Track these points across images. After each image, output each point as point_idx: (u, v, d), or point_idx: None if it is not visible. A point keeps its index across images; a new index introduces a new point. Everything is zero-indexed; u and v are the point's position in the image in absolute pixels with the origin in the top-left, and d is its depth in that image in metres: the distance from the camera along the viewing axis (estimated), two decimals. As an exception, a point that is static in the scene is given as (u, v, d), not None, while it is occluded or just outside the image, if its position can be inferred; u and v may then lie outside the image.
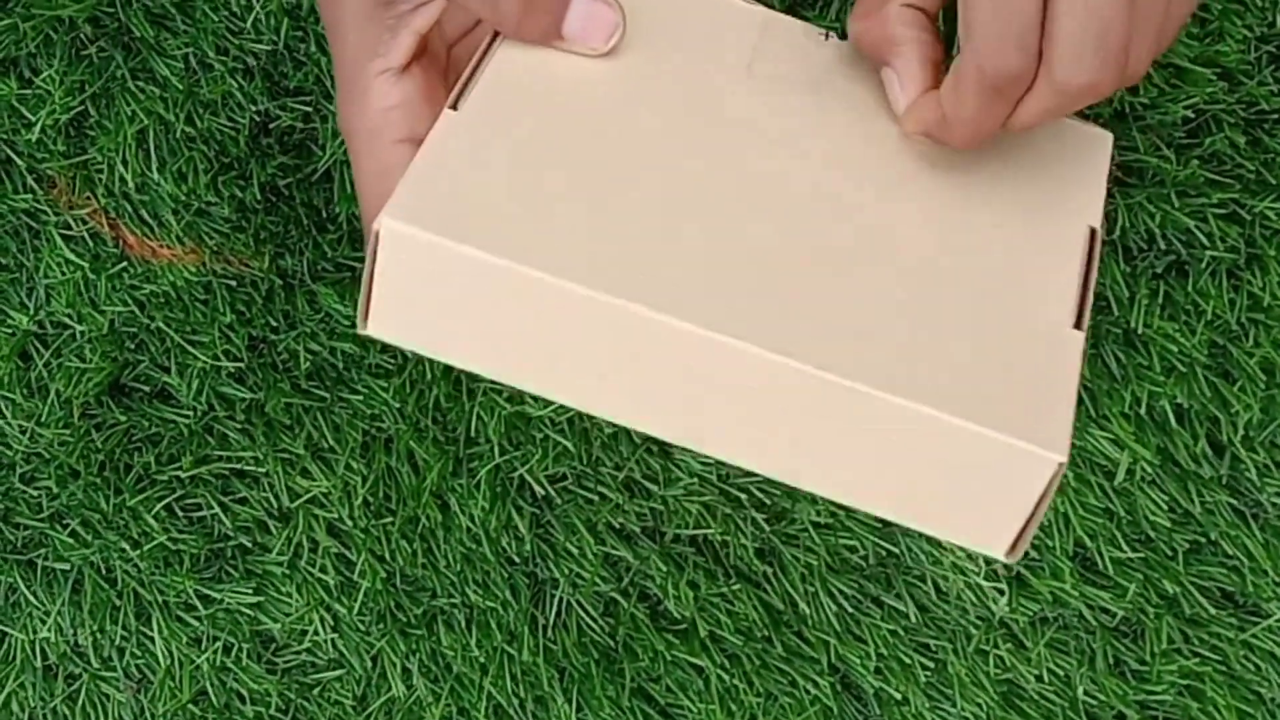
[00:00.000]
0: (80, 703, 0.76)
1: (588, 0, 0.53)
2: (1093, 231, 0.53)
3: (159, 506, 0.75)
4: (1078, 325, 0.51)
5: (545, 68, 0.53)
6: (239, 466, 0.75)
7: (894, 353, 0.48)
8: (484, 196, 0.48)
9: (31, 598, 0.76)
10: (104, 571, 0.76)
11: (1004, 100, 0.50)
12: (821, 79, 0.56)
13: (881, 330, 0.48)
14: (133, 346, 0.76)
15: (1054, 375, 0.49)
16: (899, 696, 0.70)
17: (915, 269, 0.51)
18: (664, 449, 0.73)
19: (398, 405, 0.74)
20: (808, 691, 0.71)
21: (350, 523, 0.75)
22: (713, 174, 0.51)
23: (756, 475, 0.71)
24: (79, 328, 0.76)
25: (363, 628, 0.74)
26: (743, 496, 0.72)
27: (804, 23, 0.57)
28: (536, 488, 0.73)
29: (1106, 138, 0.57)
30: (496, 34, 0.53)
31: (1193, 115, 0.69)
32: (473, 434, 0.74)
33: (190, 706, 0.75)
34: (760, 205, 0.51)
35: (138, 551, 0.75)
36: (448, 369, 0.74)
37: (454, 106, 0.51)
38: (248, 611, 0.75)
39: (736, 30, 0.56)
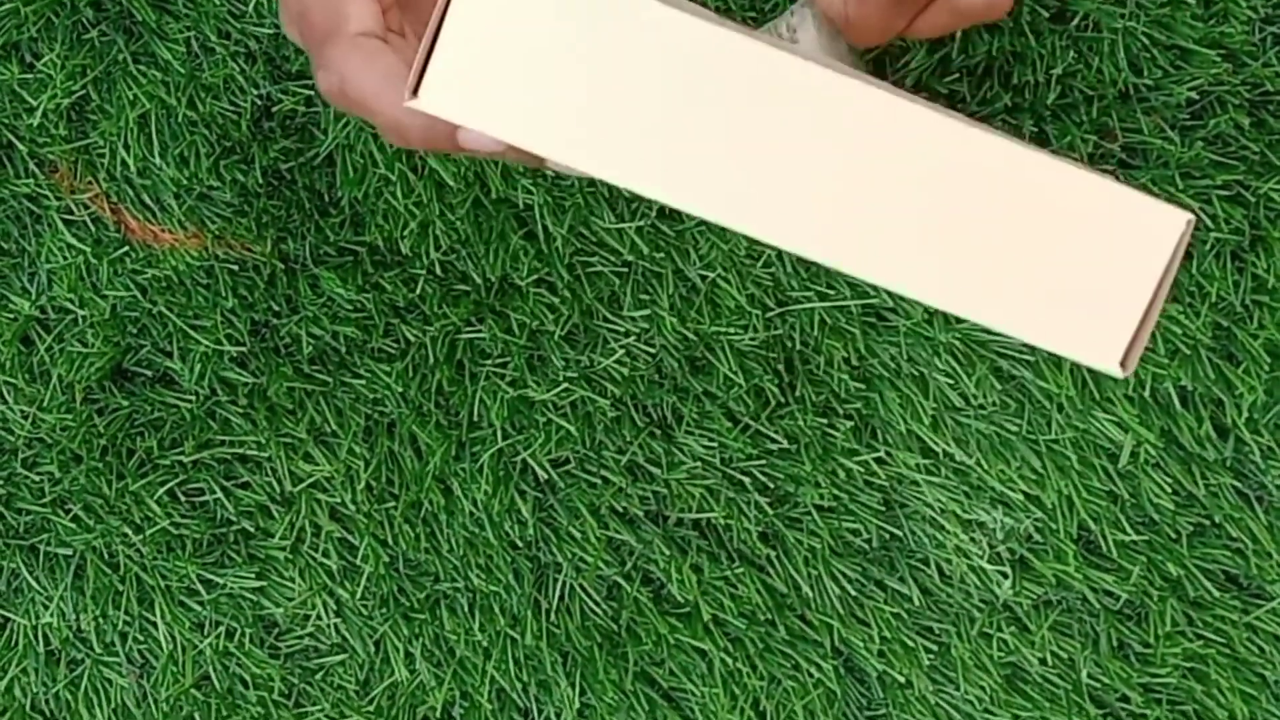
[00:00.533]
0: (83, 688, 0.76)
1: None
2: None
3: (161, 491, 0.75)
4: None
5: None
6: (241, 451, 0.75)
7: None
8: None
9: (34, 583, 0.76)
10: (106, 556, 0.76)
11: (903, 13, 0.52)
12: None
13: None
14: (135, 331, 0.76)
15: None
16: (902, 680, 0.70)
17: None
18: (667, 432, 0.72)
19: (400, 389, 0.74)
20: (811, 675, 0.71)
21: (353, 507, 0.74)
22: None
23: (760, 458, 0.71)
24: (81, 312, 0.76)
25: (365, 612, 0.74)
26: (746, 480, 0.71)
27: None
28: (539, 471, 0.73)
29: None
30: None
31: (1197, 97, 0.68)
32: (475, 418, 0.74)
33: (193, 691, 0.75)
34: None
35: (140, 536, 0.75)
36: (450, 352, 0.74)
37: None
38: (250, 596, 0.75)
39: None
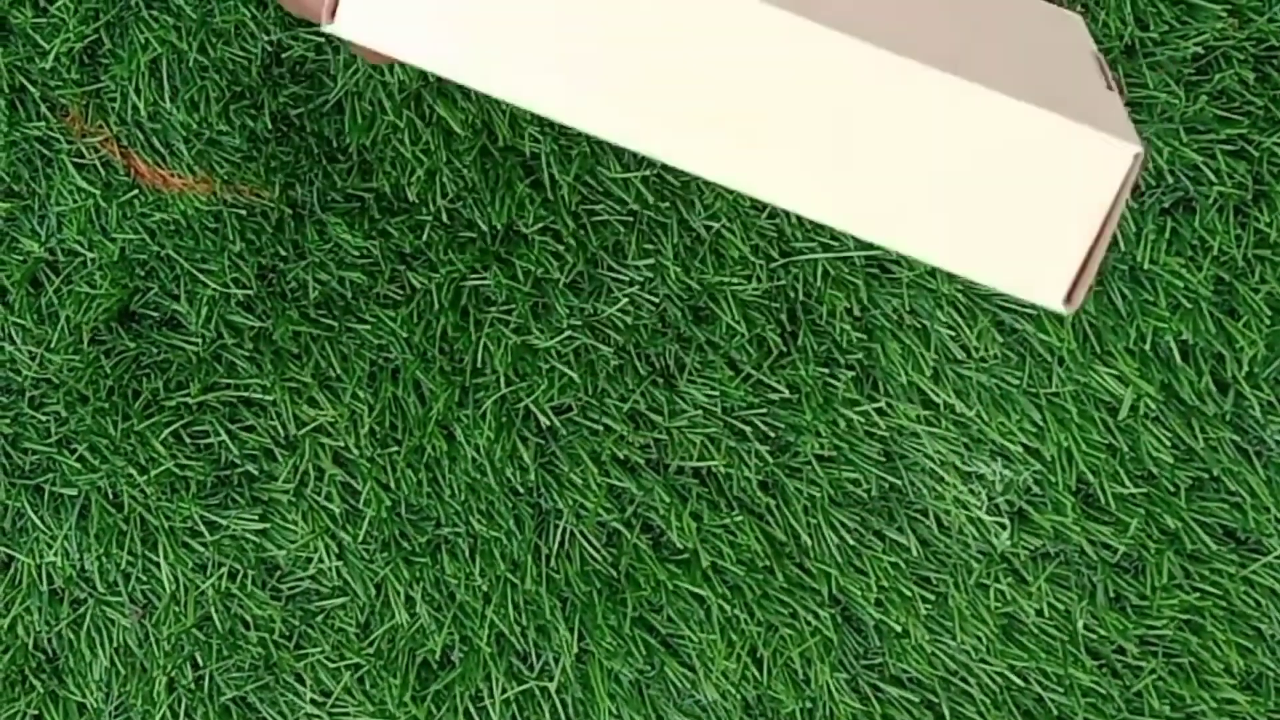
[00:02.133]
0: (85, 627, 0.77)
1: None
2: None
3: (166, 433, 0.76)
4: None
5: None
6: (246, 394, 0.76)
7: (957, 47, 0.44)
8: None
9: (39, 522, 0.77)
10: (111, 497, 0.77)
11: None
12: None
13: (940, 31, 0.44)
14: (143, 274, 0.77)
15: (1097, 88, 0.45)
16: (899, 629, 0.70)
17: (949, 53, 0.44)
18: (669, 380, 0.73)
19: (405, 335, 0.75)
20: (808, 623, 0.71)
21: (356, 451, 0.75)
22: None
23: (761, 407, 0.72)
24: (89, 255, 0.77)
25: (367, 556, 0.75)
26: (747, 429, 0.72)
27: None
28: (541, 418, 0.74)
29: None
30: None
31: (1202, 51, 0.69)
32: (479, 365, 0.74)
33: (195, 631, 0.76)
34: None
35: (145, 477, 0.76)
36: (455, 299, 0.74)
37: None
38: (253, 538, 0.76)
39: None
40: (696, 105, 0.43)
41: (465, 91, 0.74)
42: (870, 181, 0.44)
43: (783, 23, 0.42)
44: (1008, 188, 0.44)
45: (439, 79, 0.74)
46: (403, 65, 0.75)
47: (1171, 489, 0.69)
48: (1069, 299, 0.44)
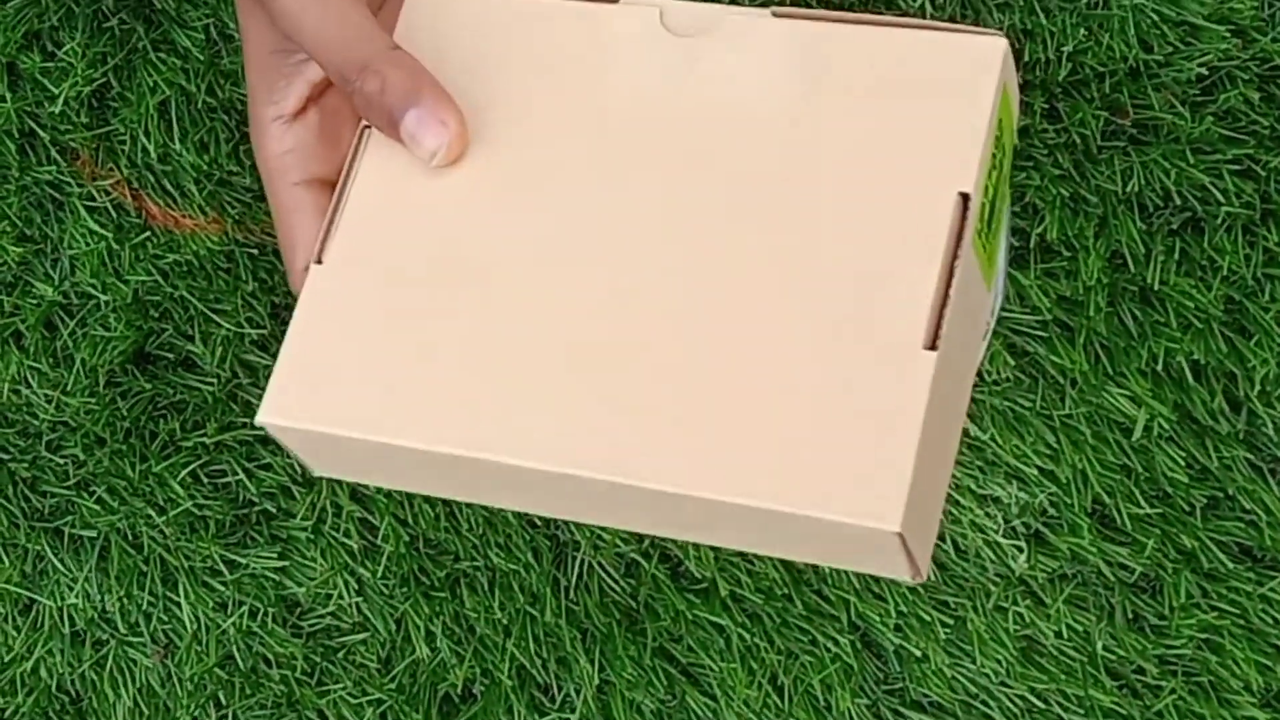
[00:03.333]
0: (108, 668, 0.77)
1: (428, 110, 0.55)
2: (963, 199, 0.52)
3: (184, 473, 0.76)
4: (932, 344, 0.50)
5: (401, 196, 0.56)
6: (263, 433, 0.76)
7: (725, 438, 0.50)
8: (350, 371, 0.54)
9: (59, 565, 0.77)
10: (130, 538, 0.77)
11: None
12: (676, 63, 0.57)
13: (715, 413, 0.51)
14: (157, 315, 0.77)
15: (897, 415, 0.49)
16: (919, 653, 0.71)
17: (756, 315, 0.52)
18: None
19: (419, 371, 0.75)
20: (828, 649, 0.71)
21: (372, 487, 0.75)
22: (552, 266, 0.54)
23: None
24: (103, 297, 0.77)
25: (386, 591, 0.75)
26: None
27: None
28: (557, 451, 0.74)
29: (997, 47, 0.54)
30: (345, 177, 0.57)
31: (1206, 72, 0.69)
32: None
33: (217, 670, 0.76)
34: (600, 288, 0.54)
35: (164, 518, 0.76)
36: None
37: (319, 260, 0.56)
38: (273, 576, 0.76)
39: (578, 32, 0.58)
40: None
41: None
42: (729, 533, 0.52)
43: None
44: (825, 543, 0.50)
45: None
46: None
47: (1187, 508, 0.69)
48: (916, 573, 0.51)
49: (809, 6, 0.67)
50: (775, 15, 0.56)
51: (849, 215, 0.53)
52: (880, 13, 0.64)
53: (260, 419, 0.54)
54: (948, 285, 0.51)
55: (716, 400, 0.51)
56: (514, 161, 0.56)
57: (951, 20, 0.66)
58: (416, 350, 0.54)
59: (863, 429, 0.49)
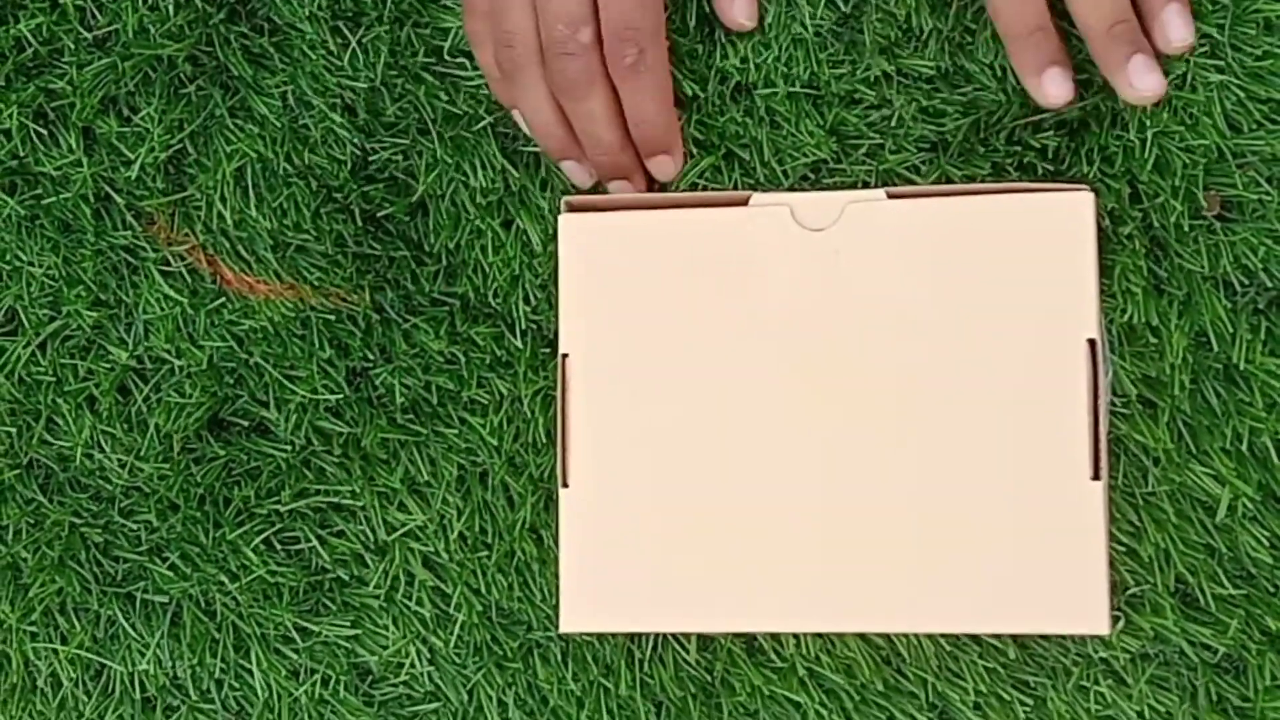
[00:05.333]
0: (178, 734, 0.77)
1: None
2: (1091, 344, 0.65)
3: (258, 540, 0.76)
4: (1095, 474, 0.64)
5: (615, 414, 0.69)
6: (336, 500, 0.76)
7: (949, 576, 0.65)
8: (626, 576, 0.68)
9: (130, 630, 0.77)
10: (203, 604, 0.77)
11: None
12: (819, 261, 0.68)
13: (934, 557, 0.65)
14: (231, 381, 0.77)
15: (1084, 537, 0.64)
16: (998, 733, 0.70)
17: (940, 474, 0.65)
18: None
19: (494, 441, 0.75)
20: (906, 727, 0.71)
21: (446, 556, 0.75)
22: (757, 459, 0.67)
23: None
24: (178, 363, 0.77)
25: (459, 660, 0.75)
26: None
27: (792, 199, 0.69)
28: (632, 522, 0.74)
29: (1086, 201, 0.65)
30: (562, 403, 0.70)
31: (1294, 151, 0.69)
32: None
33: (288, 739, 0.76)
34: (798, 473, 0.67)
35: (236, 584, 0.76)
36: (545, 406, 0.75)
37: (565, 484, 0.69)
38: (345, 644, 0.76)
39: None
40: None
41: (547, 206, 0.74)
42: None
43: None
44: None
45: (519, 187, 0.75)
46: (483, 167, 0.75)
47: (1271, 589, 0.69)
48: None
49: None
50: (890, 197, 0.67)
51: (997, 373, 0.65)
52: (978, 179, 0.70)
53: (563, 629, 0.68)
54: (1095, 421, 0.64)
55: (931, 551, 0.65)
56: (697, 368, 0.67)
57: (1041, 178, 0.68)
58: (671, 546, 0.67)
59: (1059, 554, 0.64)
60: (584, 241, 0.69)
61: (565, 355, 0.69)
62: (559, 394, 0.69)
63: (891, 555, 0.65)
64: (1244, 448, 0.69)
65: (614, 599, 0.67)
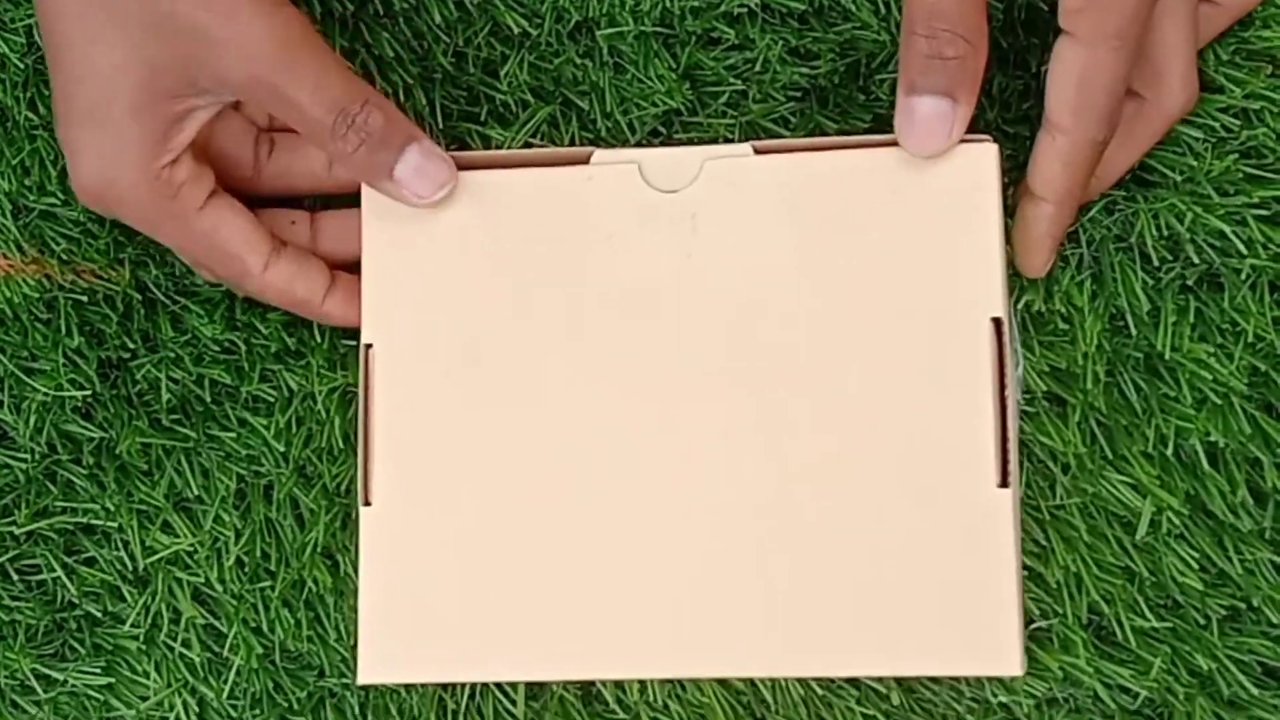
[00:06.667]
0: (-110, 807, 0.63)
1: (421, 155, 0.56)
2: (996, 324, 0.53)
3: (-12, 568, 0.63)
4: (1003, 481, 0.52)
5: (425, 418, 0.56)
6: (85, 520, 0.63)
7: (829, 613, 0.53)
8: (435, 613, 0.55)
9: None
10: (-80, 647, 0.63)
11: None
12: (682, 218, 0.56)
13: (807, 589, 0.53)
14: (-41, 375, 0.64)
15: (990, 557, 0.52)
16: (880, 795, 0.59)
17: (818, 480, 0.53)
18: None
19: (280, 447, 0.62)
20: (771, 790, 0.59)
21: (220, 587, 0.62)
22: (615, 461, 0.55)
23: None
24: (-106, 353, 0.64)
25: (235, 714, 0.62)
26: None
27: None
28: (445, 544, 0.61)
29: (989, 153, 0.54)
30: (365, 408, 0.57)
31: (1229, 104, 0.58)
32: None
33: (24, 812, 0.62)
34: (662, 483, 0.54)
35: (-39, 623, 0.63)
36: (342, 403, 0.62)
37: (367, 502, 0.56)
38: (96, 695, 0.63)
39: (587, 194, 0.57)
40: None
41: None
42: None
43: None
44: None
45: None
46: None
47: (1202, 621, 0.58)
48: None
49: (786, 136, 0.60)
50: (756, 152, 0.56)
51: (885, 361, 0.53)
52: (857, 131, 0.59)
53: (362, 679, 0.55)
54: (1003, 417, 0.53)
55: (805, 576, 0.53)
56: (529, 359, 0.56)
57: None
58: (493, 579, 0.55)
59: (959, 578, 0.52)
60: (390, 212, 0.57)
61: (369, 346, 0.57)
62: (361, 392, 0.57)
63: (758, 584, 0.53)
64: (1169, 452, 0.58)
65: (425, 642, 0.55)
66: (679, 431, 0.54)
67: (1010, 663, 0.52)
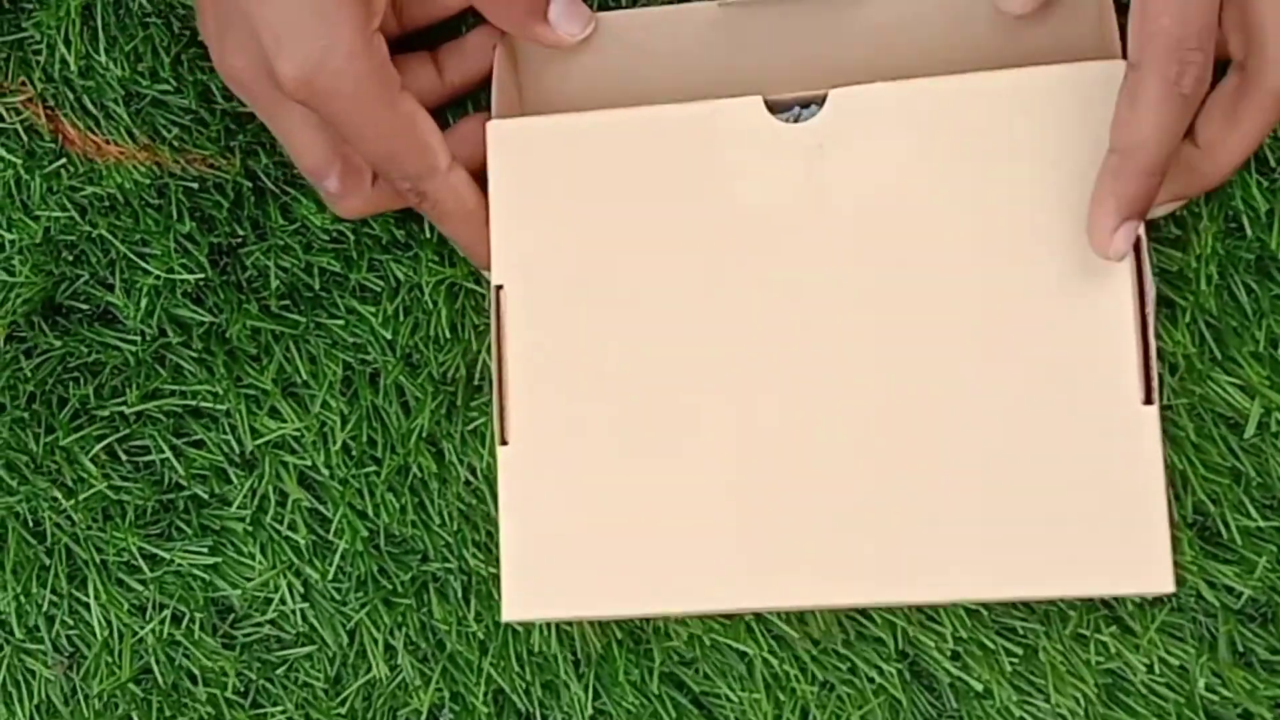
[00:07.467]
0: (1, 680, 0.64)
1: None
2: (1136, 242, 0.53)
3: (98, 448, 0.64)
4: (1147, 398, 0.52)
5: (558, 356, 0.56)
6: (194, 403, 0.64)
7: (973, 536, 0.52)
8: (572, 554, 0.55)
9: (-56, 554, 0.64)
10: (31, 524, 0.64)
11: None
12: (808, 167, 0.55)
13: (952, 513, 0.52)
14: (71, 259, 0.64)
15: (1137, 475, 0.52)
16: (979, 688, 0.59)
17: (960, 402, 0.53)
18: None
19: (387, 335, 0.63)
20: (871, 680, 0.59)
21: (326, 472, 0.63)
22: (744, 392, 0.54)
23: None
24: (8, 236, 0.64)
25: (339, 596, 0.63)
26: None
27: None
28: (550, 434, 0.62)
29: (1119, 70, 0.52)
30: (498, 347, 0.56)
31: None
32: (475, 372, 0.62)
33: (131, 686, 0.64)
34: (798, 414, 0.54)
35: (72, 501, 0.64)
36: (449, 295, 0.62)
37: (504, 441, 0.55)
38: (202, 575, 0.64)
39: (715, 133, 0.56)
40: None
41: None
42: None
43: None
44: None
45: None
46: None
47: (1307, 522, 0.58)
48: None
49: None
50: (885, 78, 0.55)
51: (1020, 280, 0.53)
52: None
53: (506, 617, 0.55)
54: (1144, 334, 0.52)
55: (941, 499, 0.52)
56: (657, 292, 0.55)
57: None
58: (630, 514, 0.54)
59: (1105, 497, 0.52)
60: (518, 152, 0.56)
61: (499, 287, 0.56)
62: (493, 333, 0.56)
63: (899, 512, 0.53)
64: (1278, 353, 0.58)
65: (566, 578, 0.55)
66: (811, 365, 0.54)
67: (1163, 580, 0.51)
